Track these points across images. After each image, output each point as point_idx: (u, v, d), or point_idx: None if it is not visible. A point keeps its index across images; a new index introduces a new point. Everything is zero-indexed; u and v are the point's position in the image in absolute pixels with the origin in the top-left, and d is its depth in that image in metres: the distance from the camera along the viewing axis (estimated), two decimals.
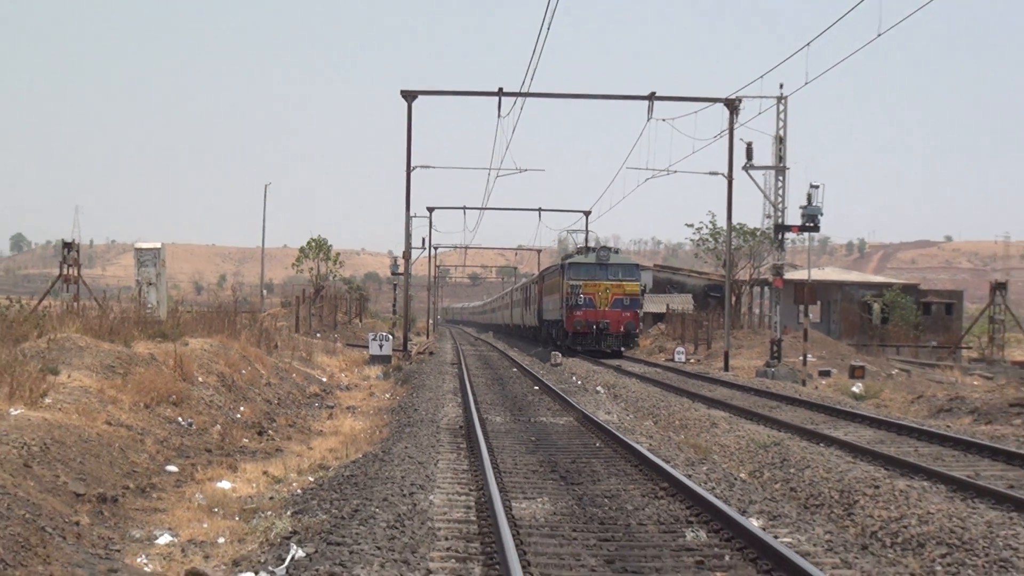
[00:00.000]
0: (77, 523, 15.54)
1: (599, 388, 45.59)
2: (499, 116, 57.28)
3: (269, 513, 18.43)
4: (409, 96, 57.26)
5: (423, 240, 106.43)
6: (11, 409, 19.31)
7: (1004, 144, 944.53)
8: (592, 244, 72.79)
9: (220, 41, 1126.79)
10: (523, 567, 13.40)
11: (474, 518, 17.34)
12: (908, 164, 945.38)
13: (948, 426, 32.08)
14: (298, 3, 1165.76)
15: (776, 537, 15.71)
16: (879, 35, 33.10)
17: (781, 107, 55.09)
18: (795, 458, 23.50)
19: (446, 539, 15.89)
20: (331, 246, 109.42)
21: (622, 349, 66.04)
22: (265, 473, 22.52)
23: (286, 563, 14.15)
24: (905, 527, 16.88)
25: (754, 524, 16.36)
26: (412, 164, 59.44)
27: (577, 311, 64.66)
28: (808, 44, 50.96)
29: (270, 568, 14.16)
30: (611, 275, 64.66)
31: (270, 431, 29.20)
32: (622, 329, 64.54)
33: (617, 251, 63.69)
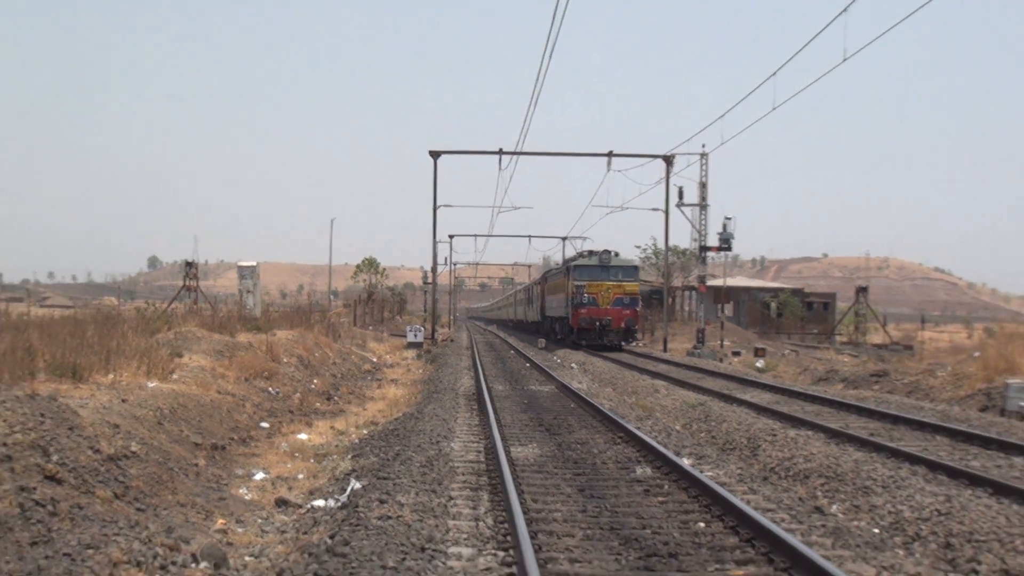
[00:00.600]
0: (196, 465, 15.54)
1: (573, 365, 45.42)
2: (500, 169, 57.61)
3: (335, 456, 18.45)
4: (435, 154, 57.25)
5: (446, 259, 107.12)
6: (148, 382, 19.31)
7: (865, 179, 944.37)
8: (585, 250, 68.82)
9: (299, 113, 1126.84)
10: (519, 494, 13.41)
11: (483, 459, 17.33)
12: (795, 198, 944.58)
13: (825, 391, 32.00)
14: (356, 84, 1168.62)
15: (701, 471, 15.70)
16: (774, 108, 32.96)
17: (703, 161, 55.66)
18: (715, 415, 23.52)
19: (463, 474, 15.87)
20: (379, 263, 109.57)
21: (622, 343, 57.75)
22: (332, 427, 22.60)
23: (347, 492, 14.13)
24: (795, 464, 16.87)
25: (685, 463, 16.35)
26: (437, 204, 59.39)
27: (582, 309, 56.00)
28: (722, 116, 51.50)
29: (336, 496, 14.15)
30: (612, 276, 56.52)
31: (335, 397, 29.25)
32: (623, 325, 56.48)
33: (617, 255, 59.99)
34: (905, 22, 18.39)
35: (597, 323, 54.52)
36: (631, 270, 58.38)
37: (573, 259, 58.38)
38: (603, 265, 54.95)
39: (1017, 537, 10.89)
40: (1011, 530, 11.18)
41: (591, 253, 56.99)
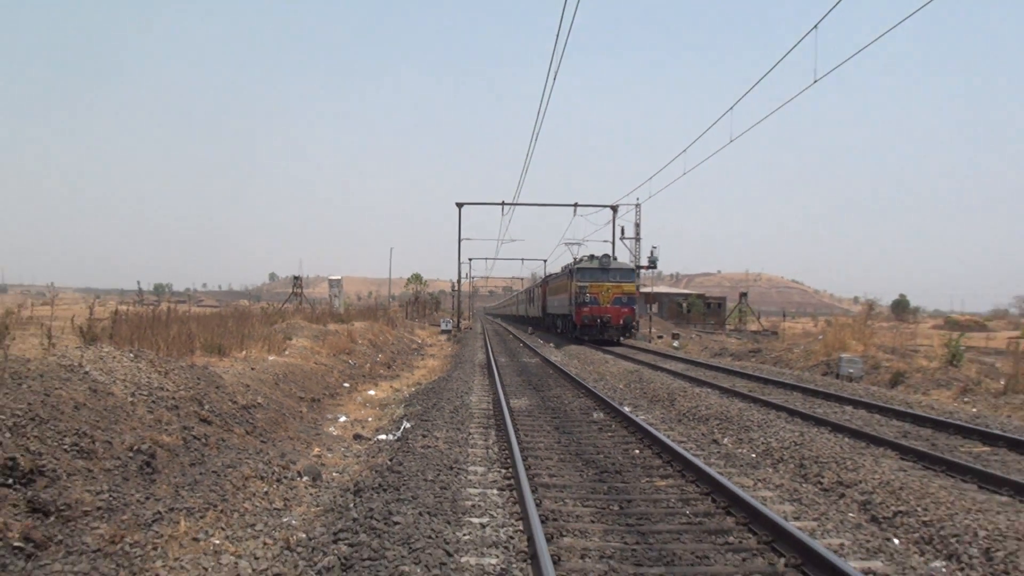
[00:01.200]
0: (300, 412, 15.52)
1: (551, 345, 45.40)
2: (502, 215, 57.30)
3: (392, 406, 18.41)
4: (459, 204, 56.97)
5: (468, 272, 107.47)
6: (268, 356, 19.29)
7: (746, 214, 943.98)
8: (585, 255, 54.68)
9: (368, 170, 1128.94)
10: (515, 430, 13.40)
11: (491, 408, 17.30)
12: (700, 229, 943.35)
13: (719, 362, 31.91)
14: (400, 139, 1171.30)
15: (637, 416, 15.69)
16: (684, 174, 32.78)
17: (638, 210, 55.57)
18: (646, 378, 23.47)
19: (478, 417, 15.85)
20: (422, 276, 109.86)
21: (621, 339, 47.66)
22: (391, 387, 22.51)
23: (401, 430, 14.12)
24: (699, 411, 16.84)
25: (626, 410, 16.32)
26: (461, 237, 59.16)
27: (584, 307, 45.49)
28: (650, 179, 51.92)
29: (394, 432, 14.13)
30: (612, 278, 46.16)
31: (393, 366, 29.15)
32: (621, 322, 46.18)
33: (616, 259, 48.28)
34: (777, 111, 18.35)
35: (598, 320, 45.29)
36: (628, 272, 46.78)
37: (576, 263, 48.27)
38: (603, 268, 45.96)
39: (847, 459, 10.89)
40: (843, 455, 11.18)
41: (592, 257, 47.88)
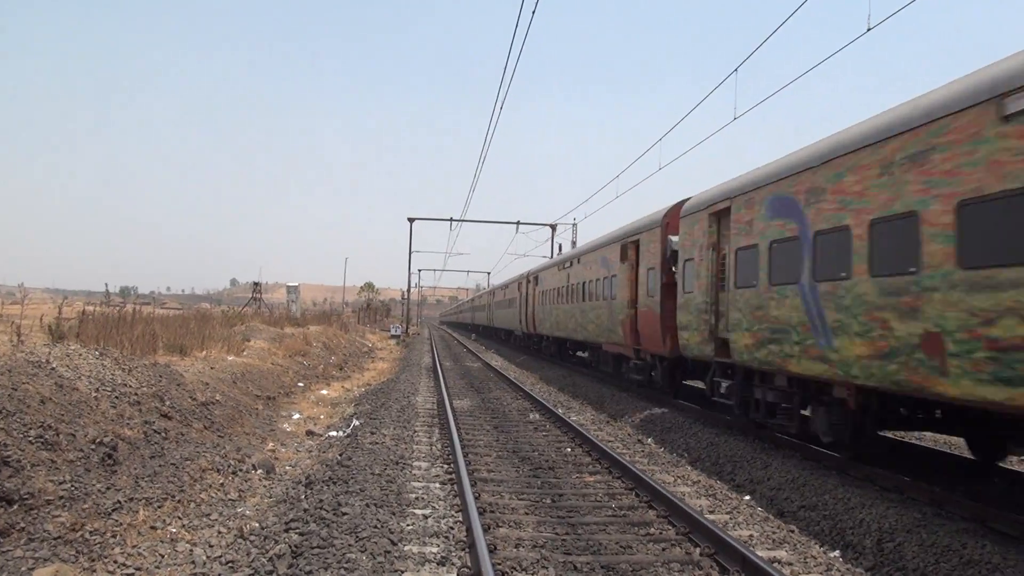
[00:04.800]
0: (257, 409, 15.27)
1: (492, 351, 45.41)
2: (450, 230, 56.69)
3: (343, 405, 18.24)
4: (411, 219, 56.45)
5: (417, 282, 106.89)
6: (228, 356, 18.94)
7: None
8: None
9: (327, 183, 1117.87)
10: (457, 428, 13.36)
11: (435, 408, 17.24)
12: None
13: None
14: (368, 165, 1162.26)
15: (569, 417, 15.77)
16: (617, 197, 33.03)
17: (574, 229, 55.78)
18: (579, 383, 23.54)
19: (423, 416, 15.78)
20: (374, 285, 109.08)
21: None
22: (342, 387, 22.32)
23: (351, 427, 13.98)
24: (625, 413, 16.98)
25: (560, 411, 16.41)
26: (412, 250, 58.75)
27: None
28: (585, 201, 51.84)
29: (344, 429, 13.98)
30: None
31: (345, 368, 28.83)
32: None
33: None
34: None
35: None
36: None
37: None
38: None
39: (756, 459, 11.08)
40: (753, 455, 11.37)
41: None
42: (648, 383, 18.48)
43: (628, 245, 19.25)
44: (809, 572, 7.06)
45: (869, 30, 10.19)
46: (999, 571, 6.44)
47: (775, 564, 7.00)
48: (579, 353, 28.72)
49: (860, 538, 7.78)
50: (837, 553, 7.66)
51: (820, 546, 7.87)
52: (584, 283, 24.25)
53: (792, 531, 8.34)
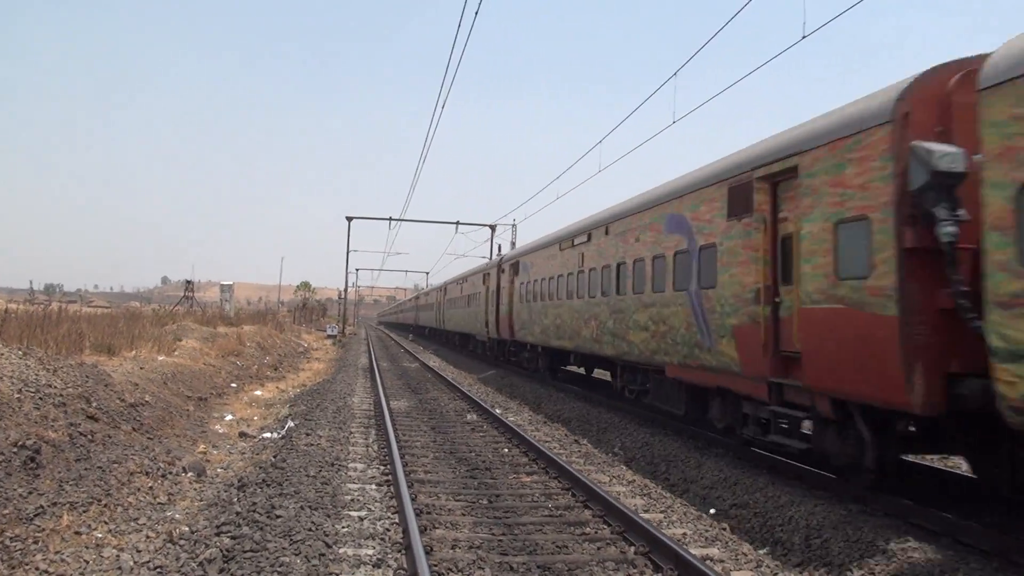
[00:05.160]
0: (187, 410, 14.89)
1: (430, 351, 45.18)
2: (389, 229, 56.22)
3: (278, 406, 17.92)
4: (349, 218, 55.83)
5: (355, 282, 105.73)
6: (158, 356, 18.44)
7: None
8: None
9: (261, 180, 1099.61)
10: (394, 429, 13.25)
11: (372, 409, 17.07)
12: None
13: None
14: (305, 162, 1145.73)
15: (507, 418, 15.77)
16: (557, 198, 33.11)
17: (514, 229, 55.88)
18: (516, 383, 23.56)
19: (359, 417, 15.61)
20: (311, 284, 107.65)
21: None
22: (277, 387, 21.93)
23: (286, 428, 13.74)
24: (562, 414, 17.02)
25: (497, 412, 16.39)
26: (350, 249, 58.03)
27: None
28: (525, 202, 52.29)
29: (278, 431, 13.74)
30: None
31: (280, 368, 28.31)
32: None
33: None
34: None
35: None
36: None
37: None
38: None
39: (690, 458, 11.23)
40: (687, 454, 11.53)
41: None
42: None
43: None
44: (740, 569, 7.18)
45: (804, 37, 10.39)
46: (919, 565, 6.64)
47: (707, 562, 7.09)
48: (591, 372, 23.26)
49: (789, 535, 7.95)
50: (767, 550, 7.81)
51: (751, 543, 8.01)
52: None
53: (724, 529, 8.47)
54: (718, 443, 12.10)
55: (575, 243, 18.55)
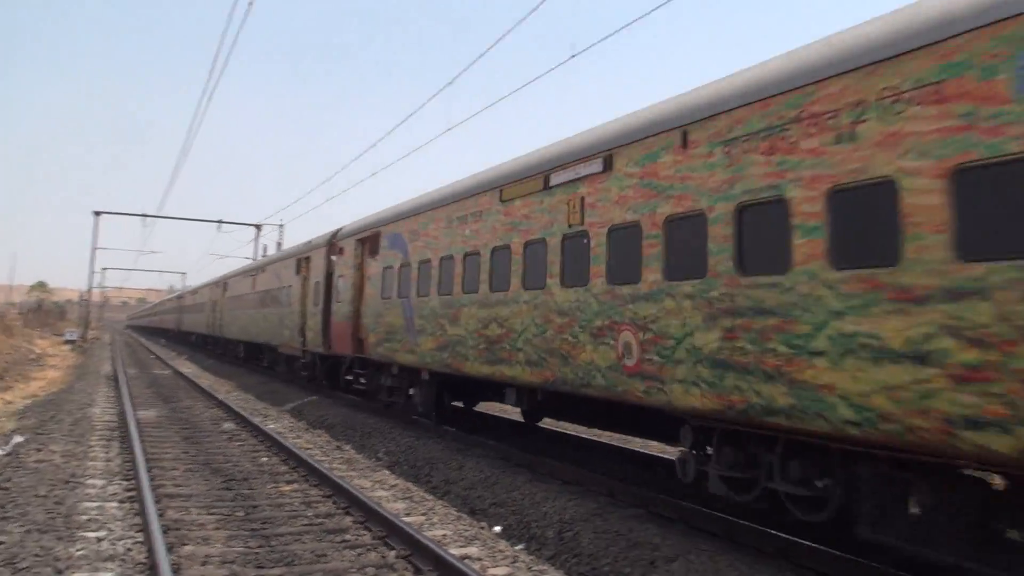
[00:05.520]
0: None
1: (184, 357, 42.48)
2: (143, 227, 51.96)
3: (2, 419, 16.03)
4: (97, 213, 51.11)
5: (101, 282, 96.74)
6: None
7: None
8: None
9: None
10: (141, 442, 12.32)
11: (116, 420, 15.77)
12: None
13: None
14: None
15: (266, 425, 15.22)
16: (327, 200, 32.20)
17: (281, 229, 54.12)
18: (278, 390, 22.73)
19: (100, 429, 14.39)
20: (47, 284, 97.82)
21: None
22: (2, 399, 19.67)
23: (11, 445, 12.34)
24: (326, 419, 16.67)
25: (257, 420, 15.79)
26: (96, 246, 53.02)
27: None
28: (295, 202, 50.90)
29: (2, 448, 12.30)
30: None
31: (6, 377, 25.39)
32: None
33: None
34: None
35: None
36: None
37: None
38: None
39: (452, 460, 11.41)
40: (449, 456, 11.71)
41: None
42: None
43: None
44: (497, 565, 7.39)
45: (573, 56, 10.96)
46: (659, 550, 7.18)
47: (466, 560, 7.23)
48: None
49: (543, 530, 8.30)
50: (522, 546, 8.10)
51: (507, 540, 8.27)
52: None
53: (482, 528, 8.69)
54: (479, 444, 12.42)
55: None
